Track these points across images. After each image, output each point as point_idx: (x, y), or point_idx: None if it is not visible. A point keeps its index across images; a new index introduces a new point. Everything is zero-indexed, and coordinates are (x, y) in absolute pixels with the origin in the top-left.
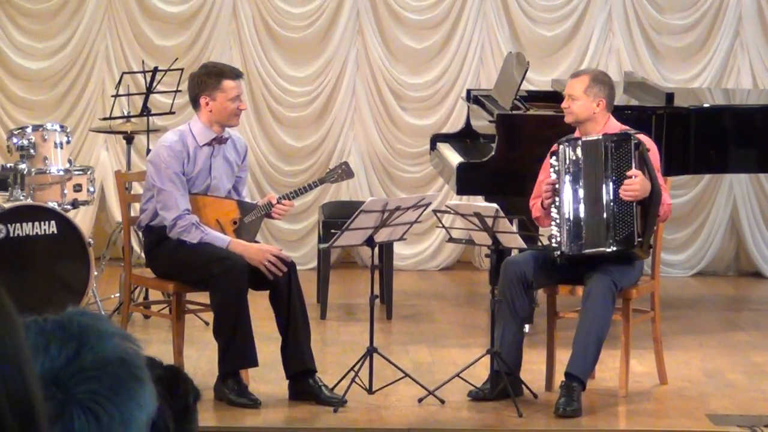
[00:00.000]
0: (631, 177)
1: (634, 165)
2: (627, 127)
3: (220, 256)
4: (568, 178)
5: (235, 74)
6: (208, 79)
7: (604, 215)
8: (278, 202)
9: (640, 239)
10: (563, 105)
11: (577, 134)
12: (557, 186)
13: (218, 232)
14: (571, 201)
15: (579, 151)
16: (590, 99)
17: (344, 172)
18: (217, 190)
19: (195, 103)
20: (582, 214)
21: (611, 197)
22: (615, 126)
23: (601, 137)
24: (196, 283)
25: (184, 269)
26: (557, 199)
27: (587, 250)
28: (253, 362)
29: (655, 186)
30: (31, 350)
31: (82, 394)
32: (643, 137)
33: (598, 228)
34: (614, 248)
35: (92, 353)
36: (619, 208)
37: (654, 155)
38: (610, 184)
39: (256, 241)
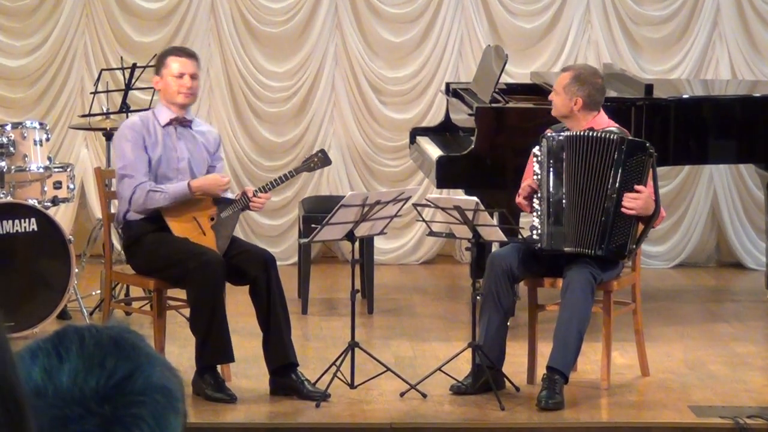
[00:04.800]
0: (636, 191)
1: (644, 178)
2: (615, 124)
3: (196, 251)
4: (550, 171)
5: (184, 52)
6: (159, 59)
7: (598, 218)
8: (255, 195)
9: (631, 248)
10: (549, 97)
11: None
12: (539, 178)
13: (175, 185)
14: (553, 196)
15: (563, 144)
16: (567, 97)
17: (321, 159)
18: (185, 173)
19: (154, 81)
20: (565, 211)
21: (612, 203)
22: (604, 123)
23: (599, 135)
24: (173, 279)
25: (162, 265)
26: (539, 191)
27: (568, 248)
28: (230, 358)
29: (657, 205)
30: (86, 361)
31: (128, 417)
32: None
33: (588, 230)
34: (603, 253)
35: (143, 377)
36: (619, 216)
37: None
38: (615, 189)
39: (235, 237)
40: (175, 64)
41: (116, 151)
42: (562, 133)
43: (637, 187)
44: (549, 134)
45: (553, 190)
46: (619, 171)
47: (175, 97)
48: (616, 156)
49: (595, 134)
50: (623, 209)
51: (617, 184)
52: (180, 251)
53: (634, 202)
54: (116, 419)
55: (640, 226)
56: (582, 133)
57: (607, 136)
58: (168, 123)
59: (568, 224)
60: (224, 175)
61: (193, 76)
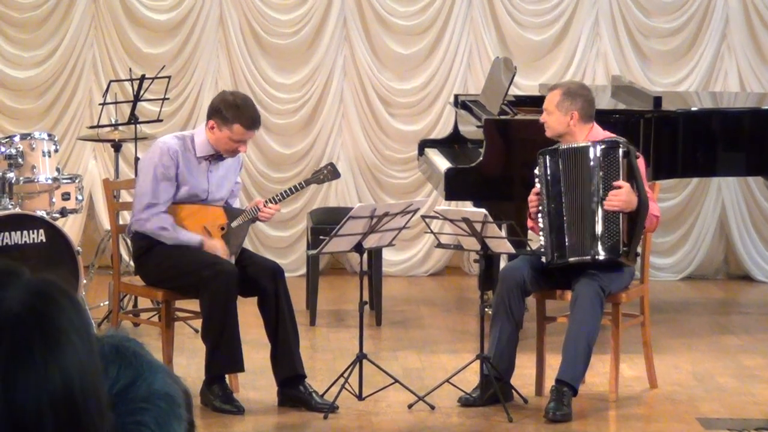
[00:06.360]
0: (617, 188)
1: (621, 175)
2: (613, 135)
3: (210, 261)
4: (549, 187)
5: (251, 124)
6: (226, 111)
7: (590, 223)
8: (265, 206)
9: (625, 248)
10: (541, 119)
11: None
12: (541, 195)
13: (188, 235)
14: (553, 210)
15: (559, 159)
16: (562, 113)
17: (330, 172)
18: (211, 204)
19: (208, 117)
20: (565, 223)
21: (598, 205)
22: (600, 134)
23: (584, 144)
24: (185, 288)
25: (174, 275)
26: (542, 208)
27: (572, 259)
28: (240, 367)
29: (642, 197)
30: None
31: (132, 424)
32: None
33: (583, 236)
34: (599, 257)
35: (146, 384)
36: (606, 217)
37: (640, 164)
38: (598, 192)
39: (245, 248)
40: (240, 134)
41: (143, 175)
42: (556, 148)
43: (615, 183)
44: (543, 151)
45: (554, 204)
46: (598, 173)
47: (227, 154)
48: (593, 160)
49: (579, 144)
50: (606, 207)
51: (598, 186)
52: (194, 260)
53: (616, 198)
54: (120, 426)
55: (627, 219)
56: (572, 145)
57: (586, 143)
58: (204, 157)
59: (569, 235)
60: (232, 256)
61: (247, 141)
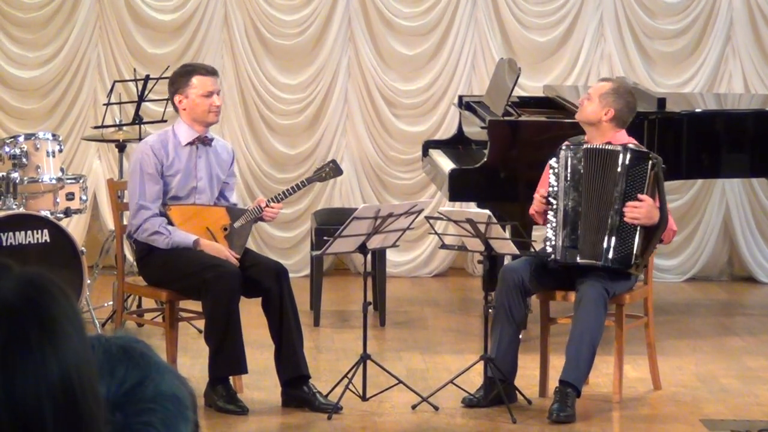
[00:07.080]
0: (639, 200)
1: (646, 187)
2: (634, 141)
3: (213, 263)
4: (566, 183)
5: (207, 71)
6: (181, 77)
7: (606, 230)
8: (267, 205)
9: (637, 261)
10: (580, 99)
11: (585, 139)
12: (556, 189)
13: (182, 235)
14: (569, 208)
15: (583, 157)
16: (600, 105)
17: (332, 169)
18: (203, 193)
19: (173, 104)
20: (580, 223)
21: (616, 213)
22: (624, 139)
23: (613, 148)
24: (188, 290)
25: (177, 277)
26: (554, 203)
27: (582, 260)
28: (242, 369)
29: (663, 214)
30: (97, 369)
31: (139, 424)
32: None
33: (596, 240)
34: (609, 264)
35: (153, 385)
36: (622, 226)
37: None
38: (619, 199)
39: (248, 248)
40: (202, 83)
41: (132, 177)
42: (580, 146)
43: (639, 195)
44: (567, 146)
45: (570, 202)
46: (623, 181)
47: (207, 117)
48: (620, 167)
49: (608, 147)
50: (626, 218)
51: (621, 194)
52: (196, 262)
53: (637, 210)
54: (127, 427)
55: (643, 233)
56: (599, 146)
57: (615, 147)
58: (189, 142)
59: (582, 236)
60: (235, 255)
61: (219, 93)
